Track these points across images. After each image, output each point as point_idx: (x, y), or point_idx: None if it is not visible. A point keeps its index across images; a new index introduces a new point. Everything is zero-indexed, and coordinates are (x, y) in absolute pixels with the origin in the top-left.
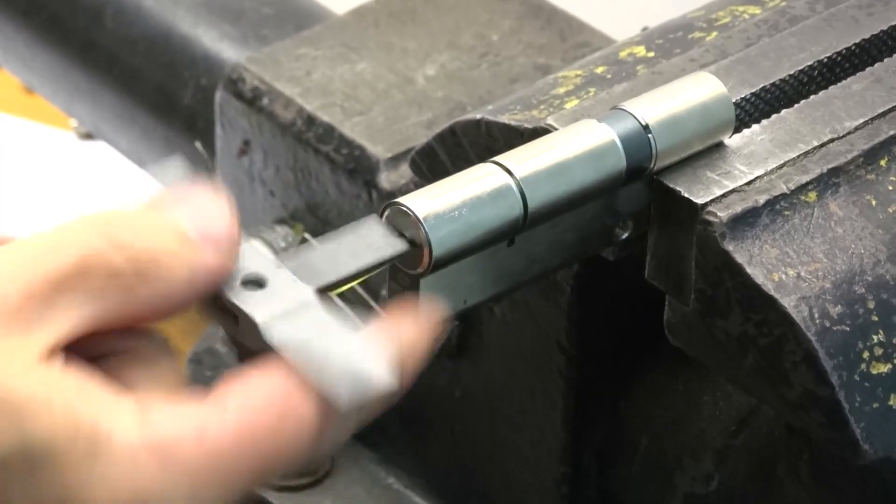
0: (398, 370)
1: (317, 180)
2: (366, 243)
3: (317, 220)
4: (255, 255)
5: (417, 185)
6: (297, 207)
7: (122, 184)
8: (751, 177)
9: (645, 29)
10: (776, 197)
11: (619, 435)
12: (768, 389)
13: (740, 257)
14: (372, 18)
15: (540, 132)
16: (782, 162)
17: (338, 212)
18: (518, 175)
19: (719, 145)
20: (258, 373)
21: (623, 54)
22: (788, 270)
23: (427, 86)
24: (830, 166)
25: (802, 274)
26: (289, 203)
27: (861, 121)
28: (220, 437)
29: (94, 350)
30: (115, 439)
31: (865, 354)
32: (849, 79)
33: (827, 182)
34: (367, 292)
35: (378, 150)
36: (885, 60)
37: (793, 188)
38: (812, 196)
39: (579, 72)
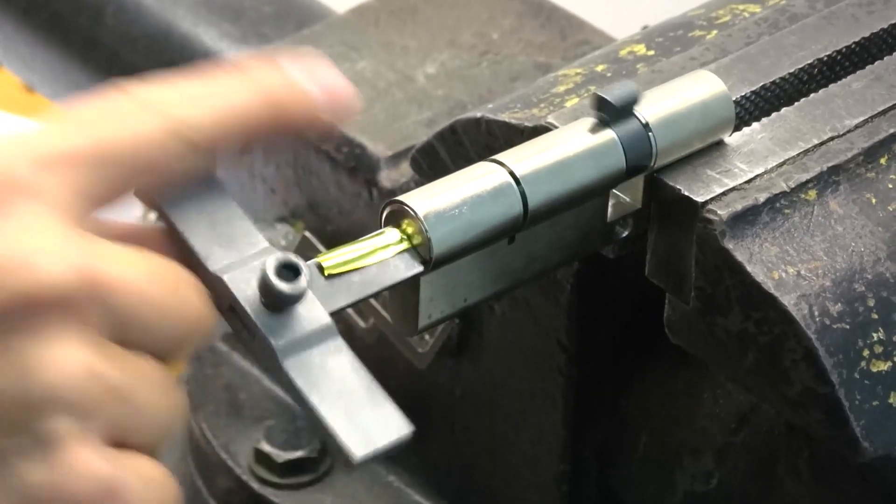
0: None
1: (317, 178)
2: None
3: (317, 217)
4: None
5: (418, 184)
6: (297, 205)
7: None
8: (751, 175)
9: (645, 27)
10: (776, 195)
11: (619, 433)
12: (768, 387)
13: (740, 255)
14: (372, 17)
15: (540, 130)
16: (782, 160)
17: (338, 210)
18: (518, 173)
19: (719, 143)
20: None
21: (623, 52)
22: (788, 268)
23: (427, 84)
24: (830, 164)
25: (802, 272)
26: (289, 201)
27: (861, 119)
28: None
29: None
30: None
31: (865, 352)
32: (849, 77)
33: (827, 180)
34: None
35: (378, 148)
36: (885, 58)
37: (793, 186)
38: (812, 194)
39: (579, 70)
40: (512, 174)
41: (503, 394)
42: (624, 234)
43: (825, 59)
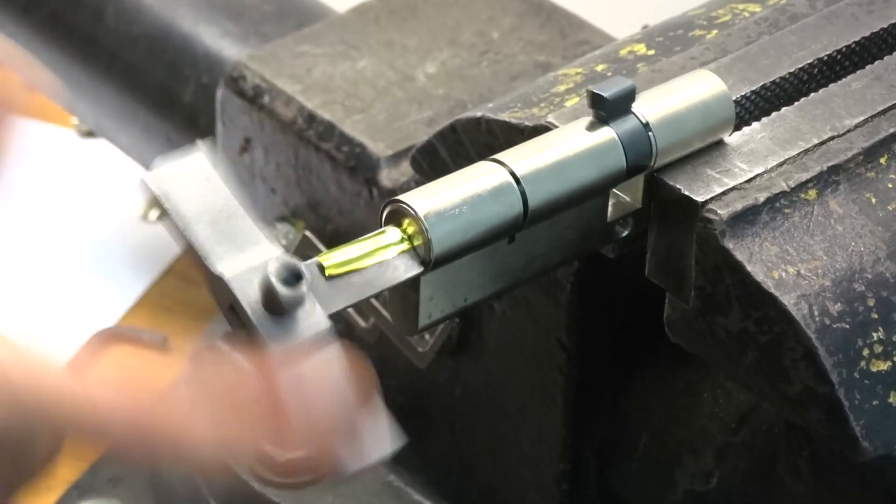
0: None
1: (318, 178)
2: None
3: (318, 217)
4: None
5: (418, 183)
6: (297, 205)
7: (122, 181)
8: (751, 174)
9: (645, 27)
10: (776, 195)
11: (619, 432)
12: (768, 386)
13: (740, 255)
14: (373, 16)
15: (540, 130)
16: (782, 160)
17: (338, 209)
18: (518, 173)
19: (719, 143)
20: None
21: (623, 52)
22: (788, 268)
23: (428, 83)
24: (830, 164)
25: (802, 272)
26: (290, 200)
27: (861, 119)
28: None
29: None
30: None
31: (865, 352)
32: (849, 77)
33: (827, 180)
34: None
35: (379, 147)
36: (885, 58)
37: (793, 186)
38: (812, 194)
39: (580, 69)
40: (512, 174)
41: (503, 393)
42: (624, 234)
43: (825, 58)
